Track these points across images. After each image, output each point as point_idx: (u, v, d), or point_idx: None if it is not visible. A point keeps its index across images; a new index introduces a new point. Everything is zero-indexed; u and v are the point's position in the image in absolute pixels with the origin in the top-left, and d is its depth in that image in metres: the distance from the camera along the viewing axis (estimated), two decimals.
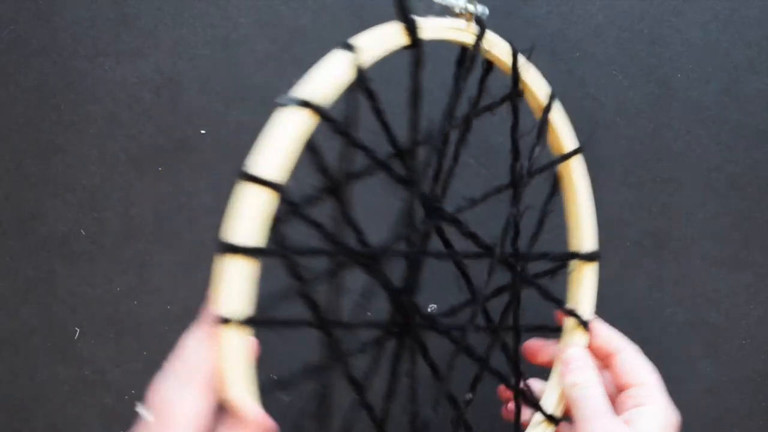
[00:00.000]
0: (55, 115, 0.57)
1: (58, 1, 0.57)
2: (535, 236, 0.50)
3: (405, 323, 0.46)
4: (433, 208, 0.45)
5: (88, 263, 0.58)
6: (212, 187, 0.58)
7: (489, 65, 0.47)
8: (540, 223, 0.50)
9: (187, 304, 0.58)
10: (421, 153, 0.44)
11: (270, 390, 0.40)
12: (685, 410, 0.59)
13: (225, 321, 0.37)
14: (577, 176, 0.50)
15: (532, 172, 0.47)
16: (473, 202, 0.46)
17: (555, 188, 0.50)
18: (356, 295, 0.46)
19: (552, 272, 0.51)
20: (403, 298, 0.44)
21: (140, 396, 0.58)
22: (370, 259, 0.42)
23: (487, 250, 0.47)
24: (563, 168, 0.50)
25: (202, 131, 0.57)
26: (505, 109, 0.49)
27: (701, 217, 0.58)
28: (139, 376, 0.58)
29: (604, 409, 0.42)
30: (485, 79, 0.46)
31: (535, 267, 0.50)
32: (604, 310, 0.58)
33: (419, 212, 0.45)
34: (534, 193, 0.49)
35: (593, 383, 0.44)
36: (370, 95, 0.40)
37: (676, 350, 0.59)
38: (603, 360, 0.47)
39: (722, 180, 0.58)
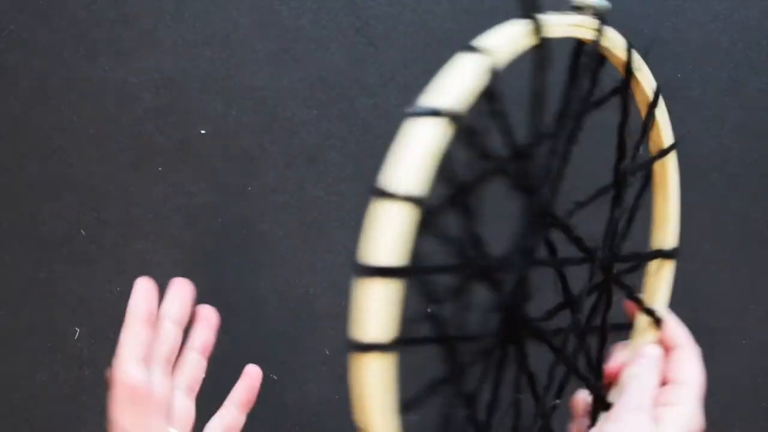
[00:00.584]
0: (55, 115, 0.57)
1: (58, 1, 0.57)
2: (625, 235, 0.48)
3: (510, 333, 0.42)
4: (547, 214, 0.42)
5: (88, 263, 0.58)
6: (212, 187, 0.58)
7: (602, 59, 0.44)
8: (630, 221, 0.48)
9: None
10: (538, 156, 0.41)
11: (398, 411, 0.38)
12: None
13: (366, 348, 0.34)
14: (671, 172, 0.48)
15: (633, 172, 0.46)
16: (580, 205, 0.43)
17: (647, 184, 0.48)
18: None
19: (632, 270, 0.49)
20: (514, 309, 0.41)
21: None
22: (493, 272, 0.39)
23: (588, 255, 0.44)
24: (659, 164, 0.48)
25: (202, 131, 0.57)
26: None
27: (701, 217, 0.58)
28: None
29: (643, 407, 0.43)
30: (598, 73, 0.44)
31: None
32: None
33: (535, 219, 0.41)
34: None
35: (650, 382, 0.45)
36: (494, 99, 0.37)
37: None
38: (665, 352, 0.49)
39: (722, 180, 0.58)
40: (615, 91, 0.44)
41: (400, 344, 0.35)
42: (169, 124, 0.57)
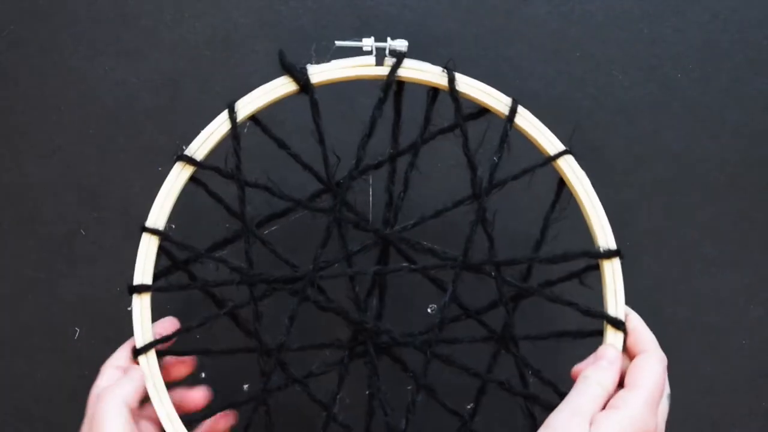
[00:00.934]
0: (55, 115, 0.57)
1: (58, 1, 0.57)
2: (538, 243, 0.51)
3: (357, 339, 0.51)
4: (371, 231, 0.50)
5: (88, 263, 0.58)
6: (212, 187, 0.58)
7: (434, 93, 0.50)
8: (543, 230, 0.51)
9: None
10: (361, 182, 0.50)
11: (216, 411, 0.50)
12: (685, 410, 0.59)
13: (138, 351, 0.48)
14: (569, 178, 0.50)
15: (495, 183, 0.49)
16: (423, 219, 0.50)
17: (557, 195, 0.51)
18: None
19: (574, 276, 0.51)
20: (349, 317, 0.50)
21: None
22: (290, 283, 0.49)
23: (452, 260, 0.49)
24: (559, 172, 0.50)
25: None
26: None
27: (701, 217, 0.58)
28: None
29: (581, 410, 0.42)
30: (430, 106, 0.50)
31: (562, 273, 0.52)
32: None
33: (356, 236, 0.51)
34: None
35: (599, 387, 0.44)
36: (238, 140, 0.50)
37: (676, 350, 0.59)
38: (630, 357, 0.48)
39: (722, 180, 0.58)
40: (453, 126, 0.50)
41: (201, 352, 0.51)
42: (169, 124, 0.57)
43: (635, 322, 0.48)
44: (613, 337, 0.49)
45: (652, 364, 0.45)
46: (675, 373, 0.59)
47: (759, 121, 0.58)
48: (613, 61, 0.57)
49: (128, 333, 0.58)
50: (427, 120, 0.50)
